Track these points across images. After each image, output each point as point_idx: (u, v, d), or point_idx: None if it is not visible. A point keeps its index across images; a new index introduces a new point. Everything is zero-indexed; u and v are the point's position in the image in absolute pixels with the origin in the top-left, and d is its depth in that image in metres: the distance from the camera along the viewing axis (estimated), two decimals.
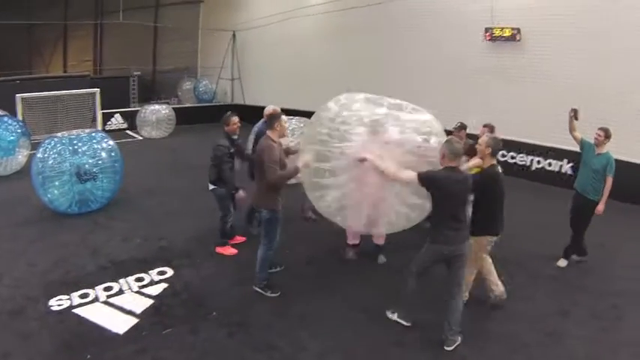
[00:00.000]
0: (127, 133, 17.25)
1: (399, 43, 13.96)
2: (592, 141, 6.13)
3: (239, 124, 6.18)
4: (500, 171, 4.92)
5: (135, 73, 21.83)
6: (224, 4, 21.44)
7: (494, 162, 4.95)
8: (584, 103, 10.09)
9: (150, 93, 23.05)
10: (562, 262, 6.32)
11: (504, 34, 11.40)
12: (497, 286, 5.23)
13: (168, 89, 23.17)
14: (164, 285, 5.54)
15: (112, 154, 8.43)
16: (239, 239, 6.76)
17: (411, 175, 4.41)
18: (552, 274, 6.10)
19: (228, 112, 6.27)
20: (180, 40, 23.36)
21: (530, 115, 10.97)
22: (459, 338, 4.46)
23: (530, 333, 4.74)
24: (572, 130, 6.43)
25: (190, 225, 7.46)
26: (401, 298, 4.78)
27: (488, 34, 11.65)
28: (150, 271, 5.85)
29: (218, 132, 6.30)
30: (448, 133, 5.42)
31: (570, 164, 10.55)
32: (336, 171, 5.12)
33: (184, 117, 18.22)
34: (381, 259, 6.29)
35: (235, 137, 6.18)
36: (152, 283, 5.60)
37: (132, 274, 5.77)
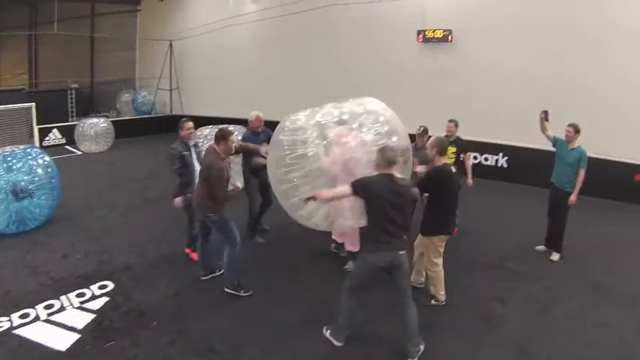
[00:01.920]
0: (66, 149, 16.80)
1: (336, 49, 14.35)
2: (563, 137, 6.51)
3: (193, 130, 6.42)
4: (452, 170, 5.11)
5: (72, 85, 21.22)
6: (161, 14, 21.24)
7: (445, 161, 5.09)
8: (518, 99, 10.91)
9: (89, 106, 22.46)
10: (555, 256, 6.66)
11: (436, 36, 11.99)
12: (421, 275, 5.67)
13: (108, 102, 22.61)
14: (105, 299, 5.62)
15: (49, 170, 8.33)
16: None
17: (345, 187, 4.42)
18: (491, 263, 6.56)
19: (183, 119, 6.48)
20: (118, 50, 22.87)
21: (465, 113, 11.39)
22: (422, 347, 4.42)
23: (469, 321, 5.09)
24: (543, 130, 6.75)
25: (130, 238, 7.56)
26: (338, 315, 4.61)
27: (420, 36, 12.21)
28: (91, 286, 5.91)
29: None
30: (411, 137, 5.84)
31: (505, 158, 11.25)
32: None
33: (124, 130, 17.97)
34: (350, 265, 6.08)
35: (191, 142, 6.40)
36: (93, 297, 5.66)
37: (73, 290, 5.80)
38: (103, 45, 23.01)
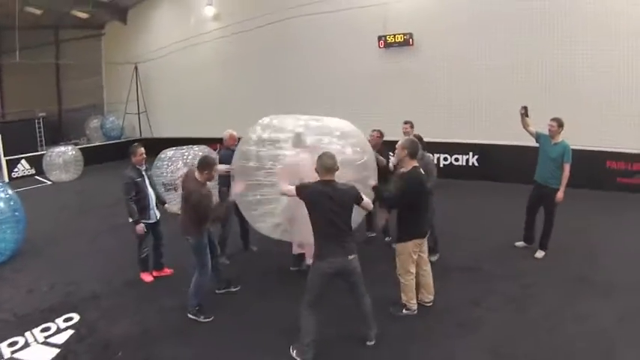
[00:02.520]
0: (36, 179, 16.52)
1: (300, 61, 14.48)
2: (546, 132, 6.43)
3: (144, 155, 6.46)
4: (423, 172, 5.02)
5: (40, 114, 20.94)
6: (125, 37, 21.17)
7: (415, 164, 4.95)
8: (484, 96, 11.08)
9: (58, 134, 22.19)
10: (539, 254, 6.66)
11: (397, 40, 12.13)
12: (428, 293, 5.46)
13: (77, 129, 22.30)
14: (70, 332, 5.49)
15: (11, 203, 8.16)
16: (166, 271, 6.93)
17: (292, 187, 4.57)
18: (466, 265, 6.56)
19: (135, 144, 6.54)
20: (85, 76, 22.57)
21: (432, 114, 11.65)
22: (375, 330, 4.72)
23: (443, 327, 5.05)
24: (525, 126, 6.67)
25: (97, 266, 7.43)
26: (302, 333, 4.52)
27: (381, 41, 12.34)
28: (56, 319, 5.77)
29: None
30: None
31: (476, 157, 11.37)
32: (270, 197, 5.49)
33: (94, 156, 17.81)
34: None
35: (142, 168, 6.46)
36: (58, 331, 5.53)
37: (38, 325, 5.65)
38: (69, 71, 22.81)
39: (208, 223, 5.45)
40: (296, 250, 6.47)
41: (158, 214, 6.68)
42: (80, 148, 16.97)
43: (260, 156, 5.54)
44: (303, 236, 5.45)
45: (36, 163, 16.99)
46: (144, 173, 6.45)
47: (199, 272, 5.53)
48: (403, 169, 5.05)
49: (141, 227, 6.32)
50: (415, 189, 4.90)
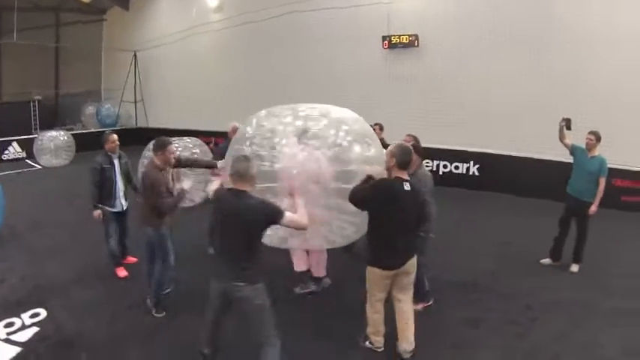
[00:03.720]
0: (26, 162, 16.23)
1: (301, 57, 14.22)
2: (583, 145, 6.34)
3: (117, 143, 6.32)
4: (405, 188, 4.05)
5: (36, 97, 20.60)
6: (125, 23, 20.81)
7: (402, 175, 4.11)
8: (489, 104, 10.80)
9: (54, 119, 21.84)
10: (575, 267, 6.48)
11: (402, 41, 11.82)
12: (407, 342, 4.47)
13: (73, 114, 21.96)
14: (35, 329, 5.13)
15: None
16: (130, 260, 6.81)
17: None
18: (462, 281, 6.14)
19: (107, 131, 6.68)
20: (84, 61, 22.23)
21: (434, 119, 11.40)
22: None
23: (435, 350, 4.61)
24: (562, 138, 6.53)
25: (73, 259, 7.06)
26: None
27: (386, 42, 12.02)
28: (22, 315, 5.41)
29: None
30: None
31: (477, 166, 11.04)
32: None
33: (87, 143, 17.30)
34: (299, 290, 5.82)
35: (114, 155, 6.31)
36: (23, 327, 5.18)
37: (1, 320, 5.30)
38: (68, 56, 22.48)
39: (166, 213, 5.11)
40: (299, 267, 5.88)
41: (125, 204, 6.49)
42: (73, 134, 16.61)
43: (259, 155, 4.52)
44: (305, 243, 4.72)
45: (28, 146, 16.65)
46: (114, 161, 6.31)
47: (163, 265, 5.29)
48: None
49: (97, 213, 6.26)
50: (380, 199, 4.01)
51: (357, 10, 12.67)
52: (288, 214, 3.65)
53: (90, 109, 20.97)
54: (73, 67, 22.62)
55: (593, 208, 6.21)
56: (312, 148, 4.40)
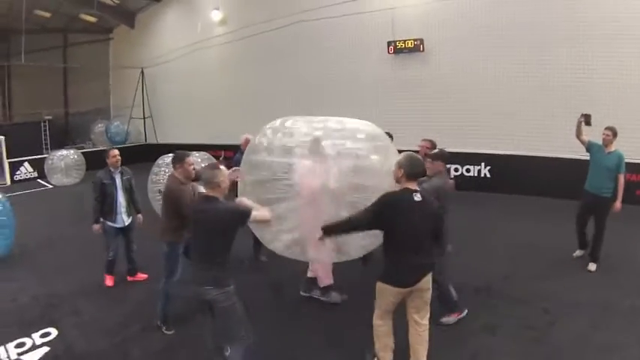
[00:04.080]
0: (38, 182, 16.38)
1: (307, 66, 14.22)
2: (599, 142, 6.30)
3: (118, 158, 6.47)
4: (416, 199, 3.76)
5: (46, 117, 20.83)
6: (131, 41, 21.12)
7: (411, 186, 3.83)
8: (497, 105, 10.74)
9: (64, 138, 22.05)
10: (592, 266, 6.37)
11: (407, 46, 11.77)
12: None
13: (83, 133, 22.23)
14: (46, 349, 5.08)
15: (0, 207, 7.90)
16: (140, 276, 6.82)
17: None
18: (476, 286, 5.99)
19: (110, 146, 6.37)
20: (92, 80, 22.56)
21: (443, 123, 11.32)
22: None
23: (455, 357, 4.50)
24: (579, 134, 6.48)
25: (84, 277, 7.00)
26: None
27: (391, 47, 11.99)
28: (33, 334, 5.36)
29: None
30: None
31: (488, 167, 10.93)
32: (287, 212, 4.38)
33: (97, 161, 17.41)
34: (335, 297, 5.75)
35: (116, 171, 6.45)
36: (34, 347, 5.12)
37: (13, 340, 5.25)
38: (77, 75, 22.79)
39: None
40: (327, 280, 5.77)
41: (127, 220, 6.57)
42: (83, 153, 16.72)
43: (273, 166, 4.47)
44: (318, 254, 4.63)
45: (39, 166, 16.84)
46: (115, 177, 6.42)
47: (165, 279, 5.20)
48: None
49: (97, 227, 6.41)
50: (388, 213, 3.76)
51: (361, 17, 12.66)
52: (253, 214, 3.79)
53: (99, 127, 21.16)
54: (81, 86, 22.91)
55: (618, 205, 6.17)
56: (325, 159, 4.33)
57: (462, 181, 11.04)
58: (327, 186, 4.22)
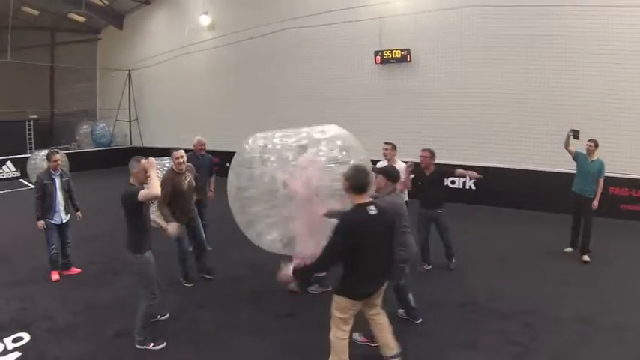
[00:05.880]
0: (20, 182, 16.15)
1: (294, 73, 14.24)
2: (584, 151, 7.36)
3: (59, 162, 7.03)
4: (371, 213, 3.68)
5: (31, 116, 20.56)
6: (119, 42, 21.01)
7: (362, 201, 3.73)
8: (482, 118, 10.81)
9: (49, 138, 21.78)
10: (586, 257, 7.31)
11: (394, 56, 11.78)
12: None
13: (69, 134, 21.98)
14: (17, 354, 4.94)
15: None
16: (74, 271, 7.28)
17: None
18: (458, 300, 5.93)
19: (52, 150, 7.41)
20: (79, 80, 22.38)
21: (428, 134, 11.31)
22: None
23: None
24: (567, 146, 7.55)
25: (59, 282, 6.93)
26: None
27: (377, 57, 11.98)
28: (5, 339, 5.22)
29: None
30: None
31: (473, 180, 10.87)
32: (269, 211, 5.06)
33: (82, 163, 17.34)
34: (315, 288, 6.22)
35: (56, 173, 6.98)
36: (5, 352, 4.99)
37: None
38: (64, 75, 22.54)
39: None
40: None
41: (65, 218, 7.12)
42: (67, 154, 16.44)
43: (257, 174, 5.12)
44: (304, 248, 4.75)
45: (22, 165, 16.53)
46: (55, 178, 6.97)
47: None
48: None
49: (40, 224, 6.87)
50: (349, 231, 3.65)
51: (348, 25, 12.69)
52: (141, 192, 4.56)
53: (85, 129, 20.93)
54: (68, 87, 22.69)
55: (595, 204, 7.24)
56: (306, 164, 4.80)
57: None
58: (310, 187, 4.66)
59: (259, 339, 5.11)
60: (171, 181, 6.22)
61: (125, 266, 6.05)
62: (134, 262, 4.81)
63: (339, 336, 3.95)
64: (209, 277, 6.86)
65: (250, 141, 5.41)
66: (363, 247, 3.67)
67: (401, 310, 5.38)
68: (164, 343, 5.01)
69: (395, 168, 5.06)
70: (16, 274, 7.26)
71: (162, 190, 5.09)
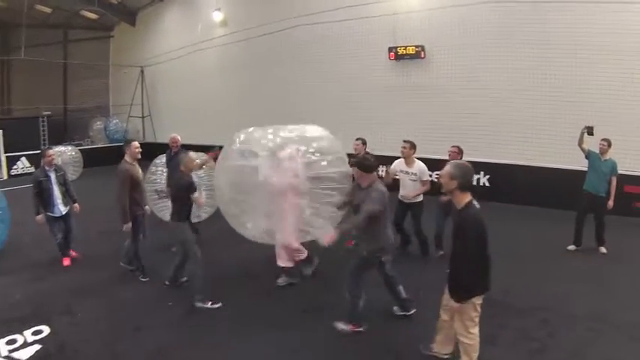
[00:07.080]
0: None
1: (305, 70, 14.26)
2: (597, 150, 7.33)
3: (53, 158, 7.34)
4: (478, 207, 3.99)
5: (45, 113, 20.71)
6: (131, 39, 21.11)
7: (469, 198, 4.01)
8: (497, 114, 10.77)
9: (62, 134, 21.96)
10: (603, 249, 7.42)
11: (409, 52, 11.75)
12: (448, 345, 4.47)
13: (82, 129, 22.17)
14: (37, 347, 5.03)
15: None
16: (73, 254, 7.67)
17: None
18: None
19: (47, 147, 7.79)
20: (92, 77, 22.54)
21: (442, 130, 11.30)
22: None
23: None
24: (580, 142, 7.44)
25: (78, 275, 7.00)
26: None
27: (392, 53, 11.95)
28: (25, 332, 5.31)
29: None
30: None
31: (487, 176, 10.88)
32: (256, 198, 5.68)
33: (95, 158, 17.51)
34: (283, 280, 6.38)
35: (50, 169, 7.23)
36: (25, 344, 5.07)
37: (4, 336, 5.21)
38: (77, 72, 22.70)
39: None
40: (284, 263, 6.28)
41: (64, 210, 7.41)
42: (80, 150, 16.65)
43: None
44: (285, 236, 5.71)
45: (36, 161, 16.59)
46: (50, 174, 7.22)
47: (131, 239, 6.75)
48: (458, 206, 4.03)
49: (39, 218, 7.20)
50: (480, 229, 3.89)
51: (362, 22, 12.66)
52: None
53: (98, 125, 21.12)
54: (81, 83, 22.84)
55: (610, 204, 7.27)
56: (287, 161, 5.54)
57: None
58: (291, 182, 5.38)
59: (277, 334, 5.14)
60: (129, 171, 6.70)
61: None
62: (173, 229, 5.92)
63: (475, 332, 4.11)
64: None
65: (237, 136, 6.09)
66: (486, 240, 3.86)
67: (396, 307, 5.42)
68: (219, 304, 5.77)
69: (367, 159, 4.98)
70: (36, 270, 7.33)
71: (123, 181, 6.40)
